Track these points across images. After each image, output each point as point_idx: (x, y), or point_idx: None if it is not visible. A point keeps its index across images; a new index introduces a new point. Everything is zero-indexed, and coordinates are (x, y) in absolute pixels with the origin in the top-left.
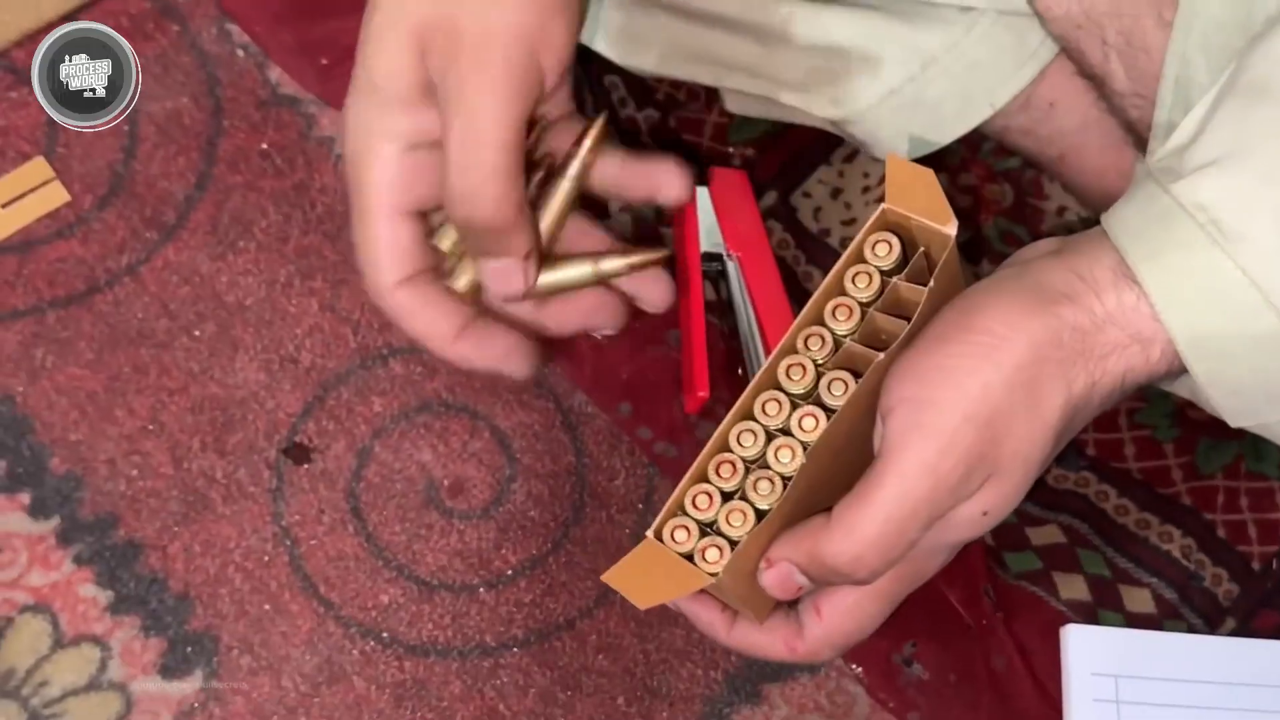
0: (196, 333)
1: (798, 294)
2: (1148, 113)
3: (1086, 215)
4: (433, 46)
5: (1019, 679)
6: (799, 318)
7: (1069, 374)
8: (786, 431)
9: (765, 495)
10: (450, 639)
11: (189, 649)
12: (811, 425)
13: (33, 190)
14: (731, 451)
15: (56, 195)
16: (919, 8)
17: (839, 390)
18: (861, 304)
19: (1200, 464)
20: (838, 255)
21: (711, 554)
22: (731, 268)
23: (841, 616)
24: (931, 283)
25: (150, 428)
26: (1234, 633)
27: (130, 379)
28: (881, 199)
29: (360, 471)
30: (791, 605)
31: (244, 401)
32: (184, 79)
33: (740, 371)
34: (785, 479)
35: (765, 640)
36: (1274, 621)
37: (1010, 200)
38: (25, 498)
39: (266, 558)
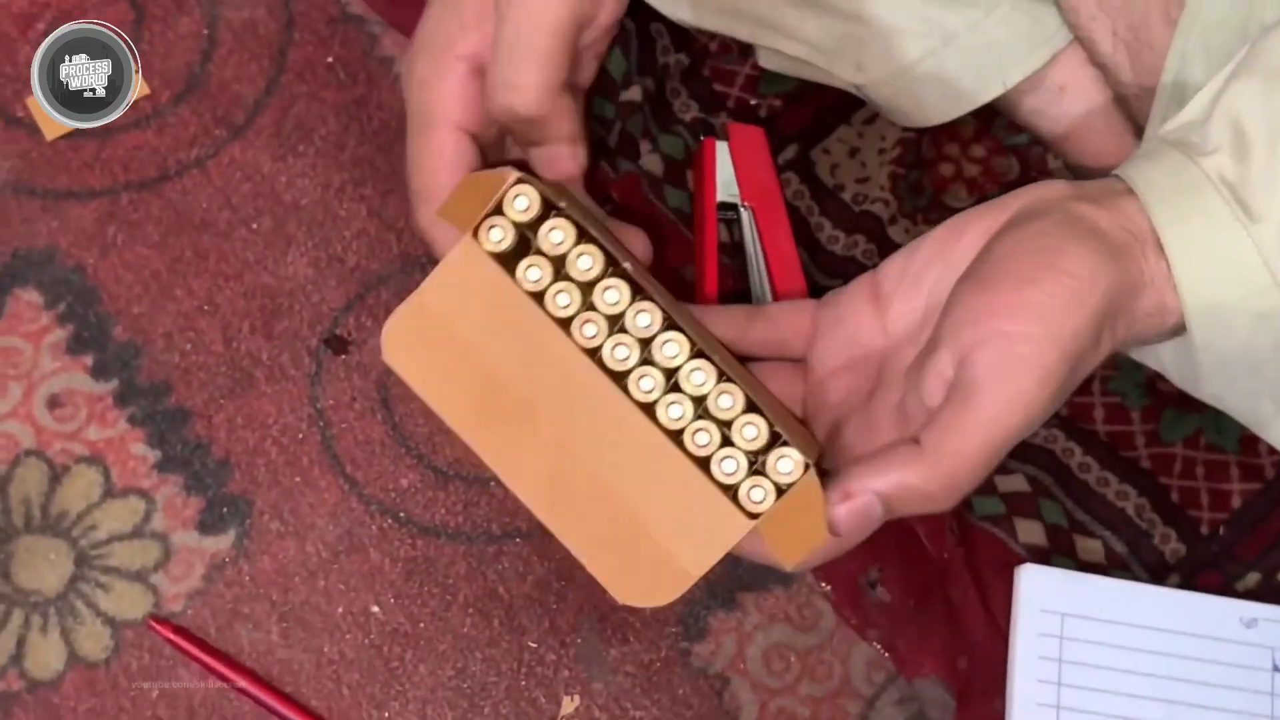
0: (254, 226)
1: (808, 241)
2: (1148, 104)
3: None
4: None
5: (972, 610)
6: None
7: (1116, 325)
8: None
9: (672, 357)
10: (460, 524)
11: (225, 509)
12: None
13: None
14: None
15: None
16: None
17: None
18: None
19: (1163, 432)
20: (849, 209)
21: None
22: (745, 217)
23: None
24: None
25: (206, 308)
26: (1177, 588)
27: (191, 262)
28: (895, 161)
29: None
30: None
31: (292, 292)
32: None
33: None
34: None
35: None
36: (1216, 581)
37: (1016, 173)
38: (88, 360)
39: (301, 435)
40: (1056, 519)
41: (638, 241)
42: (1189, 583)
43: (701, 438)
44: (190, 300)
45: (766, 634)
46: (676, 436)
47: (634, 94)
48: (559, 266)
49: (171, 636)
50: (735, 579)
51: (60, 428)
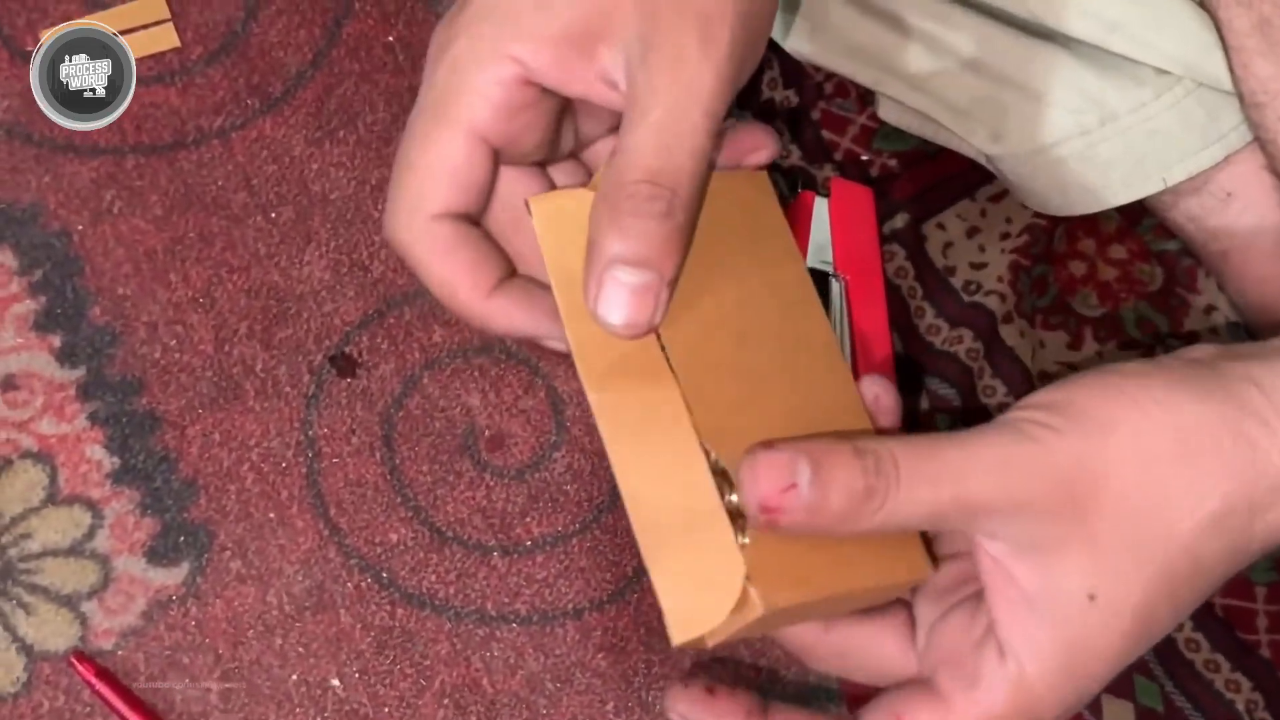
0: (273, 214)
1: (904, 327)
2: None
3: (1235, 320)
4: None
5: None
6: None
7: (1229, 477)
8: None
9: None
10: (450, 596)
11: (182, 538)
12: None
13: (144, 27)
14: None
15: (166, 38)
16: (1112, 59)
17: None
18: None
19: None
20: (958, 297)
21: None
22: (836, 289)
23: (1044, 669)
24: None
25: (201, 300)
26: None
27: (193, 245)
28: (1019, 250)
29: (402, 399)
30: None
31: (302, 297)
32: None
33: None
34: None
35: (872, 631)
36: None
37: (1159, 284)
38: (56, 340)
39: (284, 464)
40: (1151, 702)
41: (762, 144)
42: None
43: None
44: (185, 289)
45: None
46: None
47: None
48: None
49: (93, 680)
50: None
51: (9, 414)
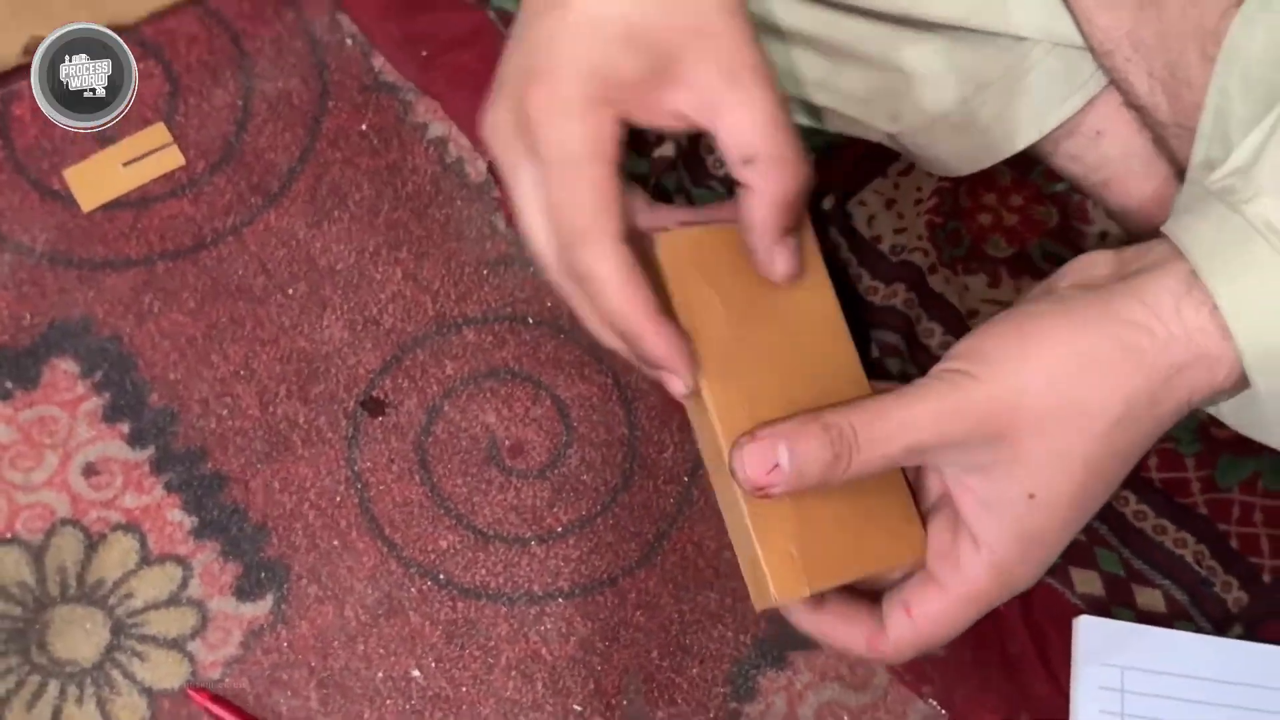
0: (290, 291)
1: (845, 291)
2: (1188, 143)
3: (1126, 241)
4: (677, 43)
5: (1032, 666)
6: None
7: (1125, 383)
8: None
9: None
10: (501, 585)
11: (262, 575)
12: None
13: (152, 152)
14: None
15: (173, 159)
16: (978, 35)
17: None
18: None
19: (1219, 478)
20: (887, 260)
21: None
22: None
23: (933, 621)
24: None
25: (242, 373)
26: (1240, 639)
27: (227, 328)
28: (932, 210)
29: (429, 427)
30: (876, 600)
31: (328, 356)
32: (296, 62)
33: None
34: None
35: (845, 631)
36: None
37: (1055, 221)
38: (125, 428)
39: (338, 498)
40: (1114, 569)
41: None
42: (1252, 633)
43: None
44: (226, 366)
45: (818, 693)
46: None
47: (667, 149)
48: None
49: (210, 705)
50: (785, 636)
51: (96, 495)
